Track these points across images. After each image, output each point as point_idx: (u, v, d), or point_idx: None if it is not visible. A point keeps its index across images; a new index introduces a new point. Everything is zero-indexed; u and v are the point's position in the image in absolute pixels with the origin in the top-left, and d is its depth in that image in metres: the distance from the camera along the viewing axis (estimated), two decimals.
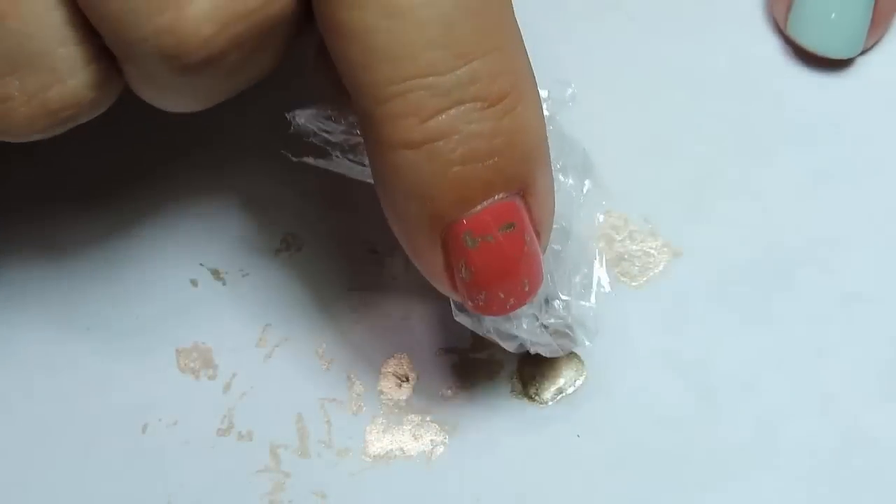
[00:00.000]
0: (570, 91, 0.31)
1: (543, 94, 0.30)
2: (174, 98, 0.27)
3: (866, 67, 0.36)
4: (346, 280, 0.34)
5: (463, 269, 0.27)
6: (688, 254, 0.34)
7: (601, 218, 0.31)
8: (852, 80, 0.36)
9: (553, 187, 0.28)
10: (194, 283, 0.34)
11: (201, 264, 0.34)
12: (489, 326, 0.30)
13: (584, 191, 0.31)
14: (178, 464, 0.32)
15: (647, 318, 0.33)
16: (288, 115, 0.30)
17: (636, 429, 0.32)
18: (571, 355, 0.33)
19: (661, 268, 0.34)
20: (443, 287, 0.28)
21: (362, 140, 0.28)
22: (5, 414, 0.33)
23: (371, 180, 0.28)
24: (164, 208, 0.35)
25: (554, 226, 0.29)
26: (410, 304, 0.34)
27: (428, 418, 0.33)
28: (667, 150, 0.35)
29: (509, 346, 0.31)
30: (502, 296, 0.28)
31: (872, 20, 0.34)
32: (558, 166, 0.30)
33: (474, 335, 0.33)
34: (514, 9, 0.27)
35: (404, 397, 0.33)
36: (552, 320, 0.31)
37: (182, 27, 0.25)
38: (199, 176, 0.35)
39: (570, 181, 0.30)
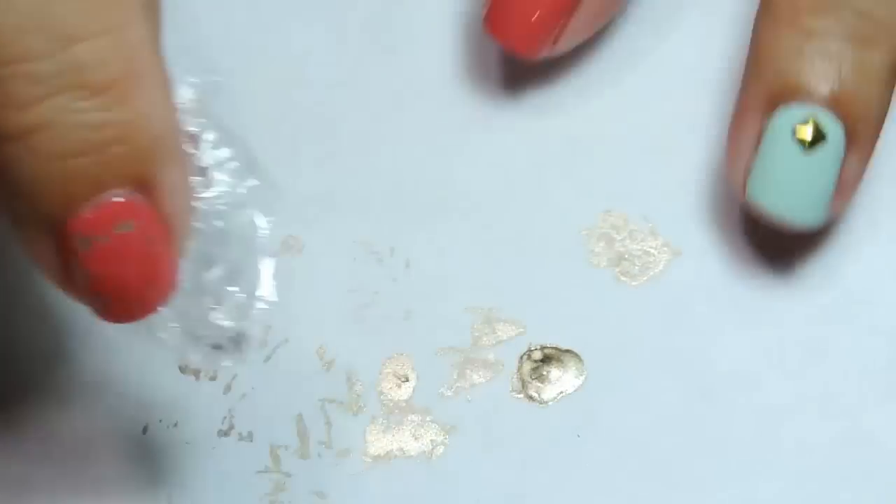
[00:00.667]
0: (218, 79, 0.28)
1: (195, 80, 0.27)
2: None
3: None
4: (346, 281, 0.34)
5: (78, 273, 0.25)
6: (688, 253, 0.34)
7: (262, 222, 0.28)
8: None
9: (187, 182, 0.26)
10: None
11: None
12: (153, 334, 0.28)
13: (246, 189, 0.27)
14: (178, 465, 0.32)
15: (647, 318, 0.33)
16: None
17: (636, 429, 0.32)
18: (571, 355, 0.33)
19: (661, 267, 0.34)
20: (62, 289, 0.26)
21: None
22: (6, 415, 0.33)
23: None
24: None
25: (206, 227, 0.27)
26: (410, 305, 0.34)
27: (428, 418, 0.33)
28: (667, 149, 0.35)
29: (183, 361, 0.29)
30: (122, 302, 0.25)
31: (837, 187, 0.31)
32: (211, 162, 0.27)
33: (475, 334, 0.33)
34: None
35: (404, 397, 0.33)
36: (206, 332, 0.28)
37: None
38: None
39: (226, 178, 0.27)
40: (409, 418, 0.33)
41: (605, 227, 0.34)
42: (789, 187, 0.30)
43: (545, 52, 0.32)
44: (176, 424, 0.33)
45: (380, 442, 0.32)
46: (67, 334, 0.33)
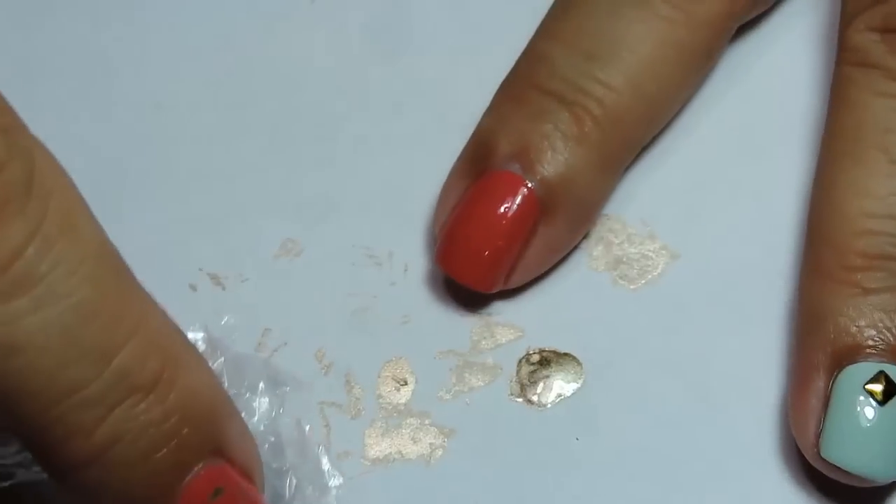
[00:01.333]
0: (230, 321, 0.31)
1: (199, 335, 0.30)
2: None
3: None
4: (345, 284, 0.34)
5: None
6: (686, 256, 0.34)
7: (305, 421, 0.31)
8: None
9: (245, 426, 0.27)
10: (194, 287, 0.34)
11: (201, 269, 0.34)
12: None
13: (283, 400, 0.31)
14: None
15: (645, 321, 0.33)
16: None
17: (635, 431, 0.32)
18: (569, 358, 0.33)
19: (659, 270, 0.34)
20: None
21: None
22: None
23: None
24: (164, 213, 0.35)
25: (265, 445, 0.29)
26: (409, 308, 0.34)
27: (427, 421, 0.33)
28: (664, 152, 0.35)
29: None
30: None
31: None
32: (246, 395, 0.29)
33: (473, 338, 0.33)
34: None
35: (403, 401, 0.33)
36: None
37: None
38: (198, 181, 0.35)
39: (266, 400, 0.30)
40: (407, 421, 0.33)
41: (604, 231, 0.34)
42: (866, 444, 0.30)
43: (499, 287, 0.33)
44: None
45: (379, 445, 0.32)
46: None
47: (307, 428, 0.31)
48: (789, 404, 0.31)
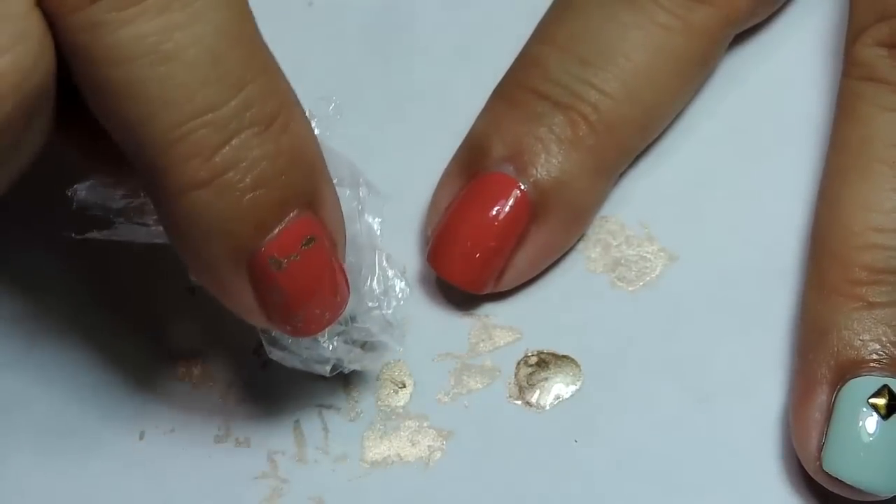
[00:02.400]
0: (332, 106, 0.31)
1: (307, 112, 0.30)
2: None
3: None
4: None
5: (275, 295, 0.27)
6: (684, 258, 0.34)
7: (376, 225, 0.31)
8: None
9: (337, 196, 0.28)
10: (192, 291, 0.34)
11: None
12: (302, 355, 0.30)
13: (361, 199, 0.30)
14: (175, 471, 0.32)
15: (643, 323, 0.33)
16: (69, 192, 0.29)
17: (633, 433, 0.32)
18: (568, 360, 0.33)
19: (657, 272, 0.34)
20: (258, 320, 0.28)
21: (144, 202, 0.28)
22: (4, 421, 0.33)
23: (157, 240, 0.29)
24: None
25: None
26: (407, 311, 0.33)
27: (425, 424, 0.33)
28: (663, 153, 0.35)
29: (324, 371, 0.30)
30: (318, 312, 0.28)
31: None
32: (335, 180, 0.30)
33: (472, 340, 0.33)
34: None
35: (401, 403, 0.33)
36: (361, 334, 0.31)
37: None
38: None
39: (347, 192, 0.30)
40: (406, 424, 0.33)
41: (602, 233, 0.34)
42: (868, 458, 0.30)
43: (490, 289, 0.33)
44: (173, 430, 0.33)
45: (377, 448, 0.32)
46: (66, 341, 0.33)
47: (378, 232, 0.31)
48: (791, 417, 0.31)
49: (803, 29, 0.36)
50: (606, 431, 0.32)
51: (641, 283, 0.34)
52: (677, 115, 0.35)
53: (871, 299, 0.30)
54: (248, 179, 0.25)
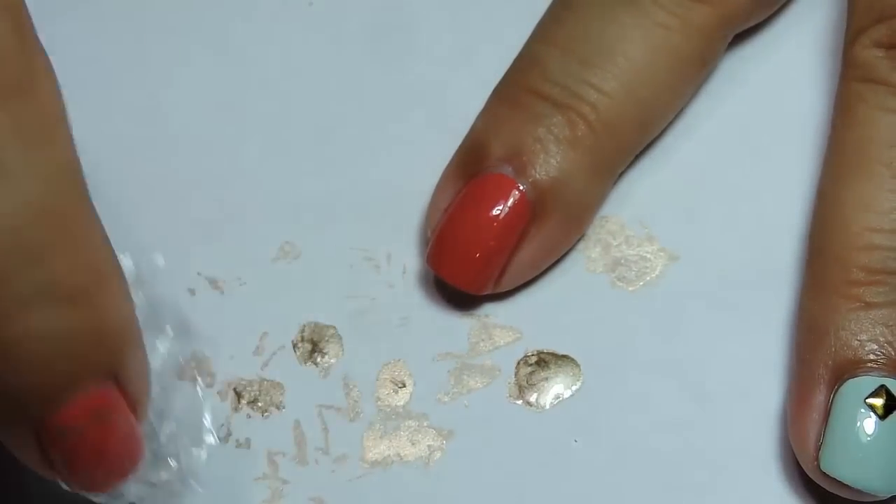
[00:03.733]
0: (159, 260, 0.31)
1: (129, 263, 0.29)
2: None
3: None
4: (343, 287, 0.34)
5: (58, 460, 0.26)
6: (684, 258, 0.34)
7: (200, 386, 0.32)
8: None
9: (146, 361, 0.28)
10: (192, 291, 0.34)
11: (199, 273, 0.34)
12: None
13: (186, 351, 0.31)
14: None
15: (643, 323, 0.33)
16: None
17: (633, 433, 0.32)
18: (568, 360, 0.33)
19: (657, 272, 0.34)
20: (46, 474, 0.27)
21: None
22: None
23: None
24: (162, 217, 0.35)
25: (157, 387, 0.29)
26: (407, 311, 0.34)
27: (425, 424, 0.33)
28: (663, 153, 0.35)
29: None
30: (102, 477, 0.27)
31: None
32: (154, 334, 0.30)
33: (472, 340, 0.33)
34: None
35: (401, 403, 0.33)
36: (164, 477, 0.30)
37: None
38: (196, 184, 0.35)
39: (165, 343, 0.30)
40: (406, 424, 0.33)
41: (602, 233, 0.34)
42: (866, 458, 0.30)
43: (490, 289, 0.33)
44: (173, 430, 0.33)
45: (377, 448, 0.32)
46: None
47: (198, 385, 0.32)
48: (789, 417, 0.31)
49: (803, 29, 0.36)
50: (606, 431, 0.32)
51: (641, 283, 0.34)
52: (677, 115, 0.35)
53: (868, 300, 0.30)
54: (41, 350, 0.25)
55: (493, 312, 0.34)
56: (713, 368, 0.33)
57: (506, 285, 0.33)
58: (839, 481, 0.30)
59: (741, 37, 0.36)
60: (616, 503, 0.32)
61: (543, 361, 0.33)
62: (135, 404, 0.27)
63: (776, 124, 0.35)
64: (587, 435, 0.32)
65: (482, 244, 0.32)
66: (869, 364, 0.30)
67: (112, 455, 0.27)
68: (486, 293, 0.33)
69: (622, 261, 0.34)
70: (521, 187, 0.32)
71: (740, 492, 0.32)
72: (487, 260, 0.32)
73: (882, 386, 0.30)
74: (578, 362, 0.33)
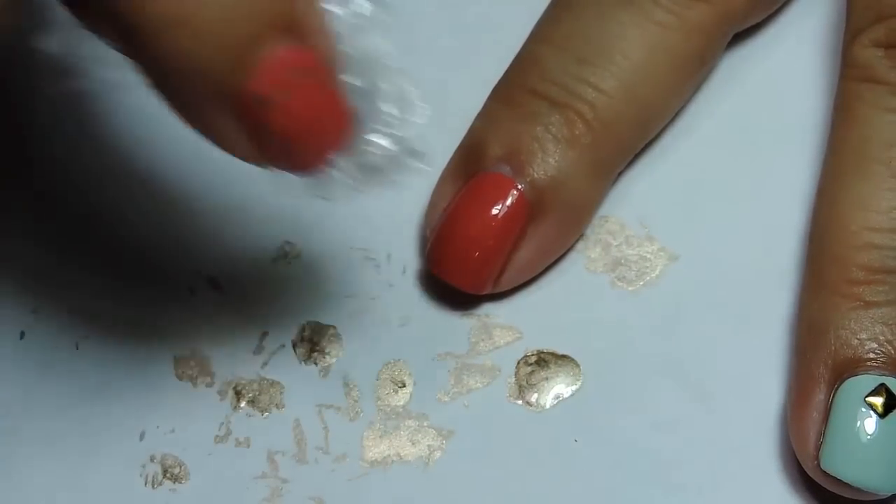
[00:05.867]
0: None
1: None
2: None
3: None
4: (343, 287, 0.34)
5: (268, 134, 0.25)
6: (684, 258, 0.34)
7: (385, 42, 0.27)
8: None
9: (323, 15, 0.26)
10: (192, 290, 0.34)
11: (199, 272, 0.34)
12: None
13: (361, 13, 0.27)
14: (175, 471, 0.32)
15: (643, 322, 0.33)
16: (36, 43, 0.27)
17: (633, 433, 0.32)
18: (568, 360, 0.33)
19: (657, 272, 0.34)
20: (256, 161, 0.26)
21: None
22: (4, 422, 0.33)
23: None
24: (162, 216, 0.35)
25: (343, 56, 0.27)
26: (407, 311, 0.34)
27: (425, 423, 0.33)
28: (663, 153, 0.35)
29: (331, 195, 0.28)
30: (316, 148, 0.26)
31: None
32: None
33: (472, 340, 0.33)
34: None
35: (401, 403, 0.33)
36: (375, 158, 0.27)
37: None
38: (196, 184, 0.35)
39: (341, 8, 0.27)
40: (406, 423, 0.33)
41: (602, 233, 0.34)
42: (866, 456, 0.30)
43: (489, 289, 0.33)
44: (173, 430, 0.33)
45: (377, 447, 0.32)
46: (65, 342, 0.34)
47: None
48: (789, 417, 0.31)
49: (803, 29, 0.36)
50: (606, 431, 0.32)
51: (641, 283, 0.34)
52: (677, 115, 0.35)
53: (868, 298, 0.30)
54: (216, 13, 0.24)
55: (494, 312, 0.34)
56: (713, 368, 0.33)
57: (505, 285, 0.33)
58: (840, 480, 0.30)
59: (741, 36, 0.36)
60: (616, 503, 0.32)
61: (543, 361, 0.33)
62: (327, 61, 0.25)
63: (776, 124, 0.35)
64: (587, 435, 0.32)
65: (481, 244, 0.32)
66: (869, 363, 0.30)
67: (320, 118, 0.25)
68: (485, 293, 0.33)
69: (622, 261, 0.34)
70: (520, 186, 0.32)
71: (740, 492, 0.32)
72: (486, 259, 0.32)
73: (882, 384, 0.30)
74: (578, 362, 0.33)
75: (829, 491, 0.30)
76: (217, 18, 0.24)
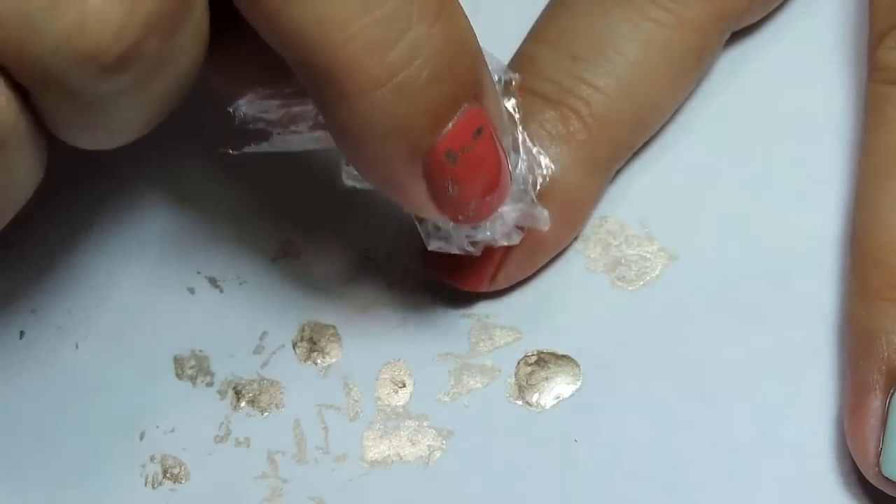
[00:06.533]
0: None
1: None
2: (102, 120, 0.26)
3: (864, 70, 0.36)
4: (343, 287, 0.34)
5: (451, 187, 0.28)
6: (684, 258, 0.34)
7: (512, 106, 0.31)
8: (852, 82, 0.36)
9: (496, 84, 0.29)
10: (192, 290, 0.34)
11: (199, 272, 0.34)
12: (462, 240, 0.31)
13: (498, 80, 0.30)
14: (175, 471, 0.32)
15: (643, 323, 0.33)
16: (230, 108, 0.29)
17: (633, 433, 0.32)
18: (568, 360, 0.33)
19: (657, 272, 0.34)
20: (431, 213, 0.29)
21: (300, 111, 0.28)
22: (4, 421, 0.33)
23: (310, 146, 0.29)
24: (162, 216, 0.35)
25: None
26: (407, 310, 0.34)
27: (425, 424, 0.33)
28: (662, 153, 0.35)
29: (475, 250, 0.31)
30: (488, 199, 0.29)
31: None
32: None
33: (472, 340, 0.33)
34: None
35: (401, 403, 0.33)
36: (513, 215, 0.31)
37: (91, 22, 0.23)
38: (196, 184, 0.35)
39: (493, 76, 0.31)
40: (406, 424, 0.33)
41: (602, 233, 0.34)
42: None
43: (486, 286, 0.33)
44: (173, 430, 0.33)
45: (377, 447, 0.32)
46: (65, 342, 0.34)
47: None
48: (846, 426, 0.31)
49: (803, 28, 0.36)
50: (606, 431, 0.32)
51: (641, 283, 0.34)
52: (677, 114, 0.35)
53: None
54: (423, 75, 0.26)
55: (493, 312, 0.34)
56: (713, 368, 0.33)
57: (502, 282, 0.33)
58: None
59: (741, 36, 0.36)
60: (616, 503, 0.32)
61: (543, 361, 0.33)
62: (495, 124, 0.28)
63: (776, 123, 0.35)
64: (587, 435, 0.32)
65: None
66: None
67: (494, 171, 0.28)
68: (482, 290, 0.33)
69: (622, 261, 0.34)
70: None
71: (740, 492, 0.32)
72: (482, 256, 0.32)
73: None
74: (578, 362, 0.33)
75: (829, 491, 0.31)
76: (426, 82, 0.26)
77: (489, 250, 0.32)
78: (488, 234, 0.31)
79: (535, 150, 0.31)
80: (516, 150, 0.31)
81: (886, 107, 0.32)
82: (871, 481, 0.30)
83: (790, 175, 0.35)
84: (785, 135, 0.35)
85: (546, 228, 0.31)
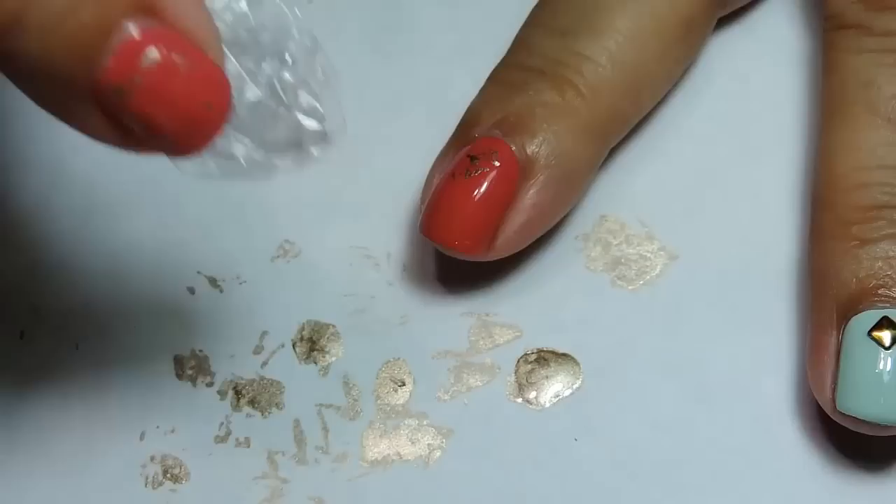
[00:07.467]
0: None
1: None
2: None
3: None
4: (343, 286, 0.34)
5: (132, 123, 0.24)
6: (684, 257, 0.34)
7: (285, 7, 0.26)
8: None
9: None
10: (192, 290, 0.34)
11: (199, 272, 0.34)
12: (209, 161, 0.25)
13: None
14: (176, 471, 0.32)
15: (643, 322, 0.33)
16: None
17: (633, 432, 0.32)
18: (567, 358, 0.33)
19: (657, 271, 0.34)
20: (129, 148, 0.25)
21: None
22: (4, 421, 0.33)
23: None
24: (162, 217, 0.35)
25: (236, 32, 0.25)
26: (407, 309, 0.34)
27: (425, 422, 0.33)
28: (663, 153, 0.35)
29: (244, 173, 0.26)
30: (190, 129, 0.24)
31: None
32: None
33: (471, 338, 0.33)
34: None
35: (401, 402, 0.33)
36: (280, 134, 0.26)
37: None
38: (196, 184, 0.35)
39: None
40: (405, 422, 0.33)
41: (602, 232, 0.34)
42: (879, 391, 0.30)
43: (484, 252, 0.32)
44: (173, 430, 0.33)
45: (377, 446, 0.32)
46: (65, 342, 0.34)
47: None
48: (807, 367, 0.31)
49: (803, 28, 0.36)
50: (606, 430, 0.32)
51: (641, 282, 0.34)
52: (676, 114, 0.35)
53: (863, 237, 0.31)
54: (53, 9, 0.22)
55: (494, 311, 0.34)
56: (713, 367, 0.33)
57: (501, 250, 0.32)
58: (857, 418, 0.30)
59: (741, 35, 0.36)
60: (616, 501, 0.32)
61: (543, 360, 0.33)
62: (193, 40, 0.24)
63: (776, 123, 0.35)
64: (587, 434, 0.32)
65: (471, 204, 0.32)
66: (872, 298, 0.30)
67: (186, 99, 0.23)
68: (480, 256, 0.32)
69: (622, 260, 0.34)
70: (512, 147, 0.32)
71: (739, 491, 0.31)
72: (479, 220, 0.32)
73: (884, 318, 0.30)
74: (578, 361, 0.33)
75: (829, 489, 0.30)
76: (59, 12, 0.22)
77: (485, 214, 0.32)
78: (234, 151, 0.25)
79: (307, 54, 0.27)
80: (279, 57, 0.26)
81: (830, 52, 0.33)
82: (832, 417, 0.30)
83: (790, 174, 0.35)
84: (784, 135, 0.35)
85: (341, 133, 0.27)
